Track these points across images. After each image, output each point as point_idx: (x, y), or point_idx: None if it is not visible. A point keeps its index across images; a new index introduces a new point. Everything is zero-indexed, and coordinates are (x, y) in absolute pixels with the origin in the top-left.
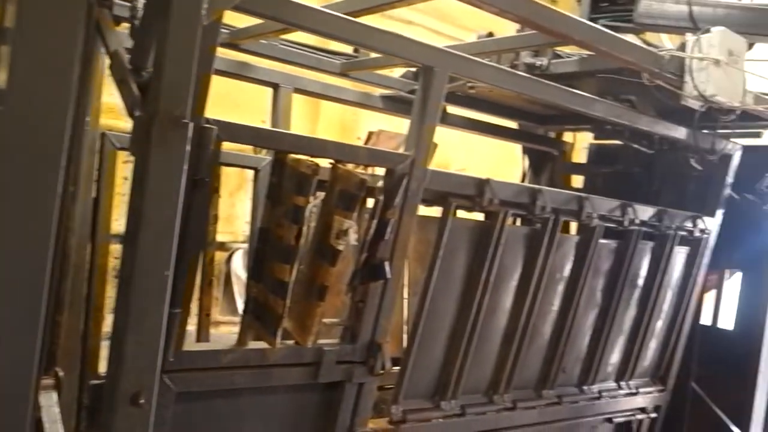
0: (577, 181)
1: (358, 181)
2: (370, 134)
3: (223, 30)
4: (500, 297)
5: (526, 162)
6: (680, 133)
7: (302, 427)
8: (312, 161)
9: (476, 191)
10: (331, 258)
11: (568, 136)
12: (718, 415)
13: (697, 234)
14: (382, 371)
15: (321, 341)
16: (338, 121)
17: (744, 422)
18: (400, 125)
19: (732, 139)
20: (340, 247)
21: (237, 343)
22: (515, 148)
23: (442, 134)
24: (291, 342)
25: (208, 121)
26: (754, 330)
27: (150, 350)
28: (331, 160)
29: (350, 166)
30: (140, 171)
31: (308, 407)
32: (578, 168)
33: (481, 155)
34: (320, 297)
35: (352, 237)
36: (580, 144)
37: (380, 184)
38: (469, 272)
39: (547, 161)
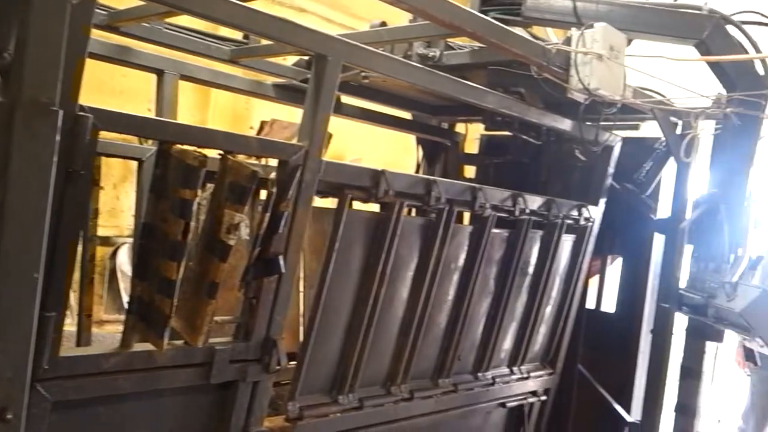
0: (470, 171)
1: (249, 173)
2: (263, 124)
3: (102, 11)
4: (397, 288)
5: (421, 153)
6: (566, 125)
7: (194, 429)
8: (199, 152)
9: (372, 182)
10: (221, 253)
11: (460, 127)
12: (603, 395)
13: (582, 222)
14: (277, 369)
15: (213, 340)
16: (230, 110)
17: (626, 401)
18: (294, 114)
19: (613, 132)
20: (231, 242)
21: (120, 346)
22: (410, 139)
23: (337, 124)
24: (180, 342)
25: (83, 108)
26: (633, 312)
27: (18, 360)
28: (221, 151)
29: (241, 158)
30: (3, 162)
31: (200, 409)
32: (471, 158)
33: (376, 146)
34: (210, 295)
35: (244, 231)
36: (473, 135)
37: (273, 175)
38: (365, 264)
39: (440, 152)
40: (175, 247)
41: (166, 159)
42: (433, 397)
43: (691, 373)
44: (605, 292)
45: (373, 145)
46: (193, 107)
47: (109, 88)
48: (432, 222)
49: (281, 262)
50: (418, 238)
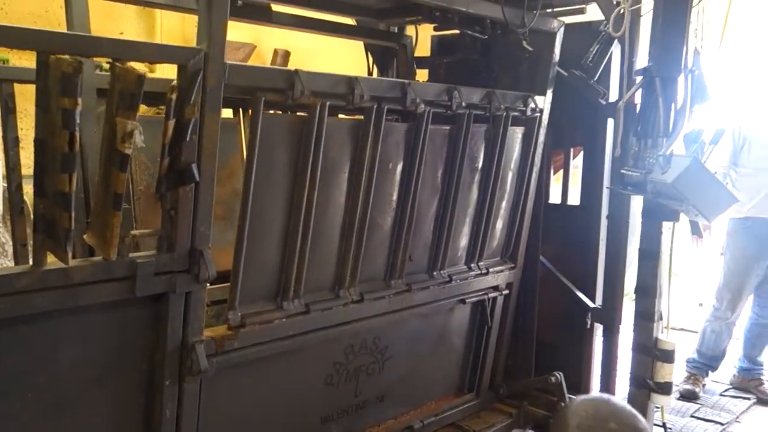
0: (423, 75)
1: (135, 78)
2: None
3: None
4: (331, 193)
5: (371, 60)
6: (509, 14)
7: (129, 343)
8: (75, 58)
9: (286, 84)
10: (120, 164)
11: (411, 30)
12: (566, 284)
13: (529, 113)
14: (206, 279)
15: (135, 254)
16: (179, 35)
17: (590, 289)
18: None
19: (558, 18)
20: (128, 151)
21: (32, 265)
22: None
23: (299, 43)
24: (98, 258)
25: None
26: (594, 203)
27: None
28: (109, 59)
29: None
30: None
31: (133, 323)
32: (422, 62)
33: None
34: (116, 206)
35: (139, 139)
36: (426, 37)
37: (174, 83)
38: (292, 170)
39: (391, 58)
40: (65, 159)
41: (45, 70)
42: (385, 297)
43: (650, 254)
44: (571, 186)
45: (337, 63)
46: (140, 32)
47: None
48: (361, 122)
49: (194, 170)
50: (349, 140)
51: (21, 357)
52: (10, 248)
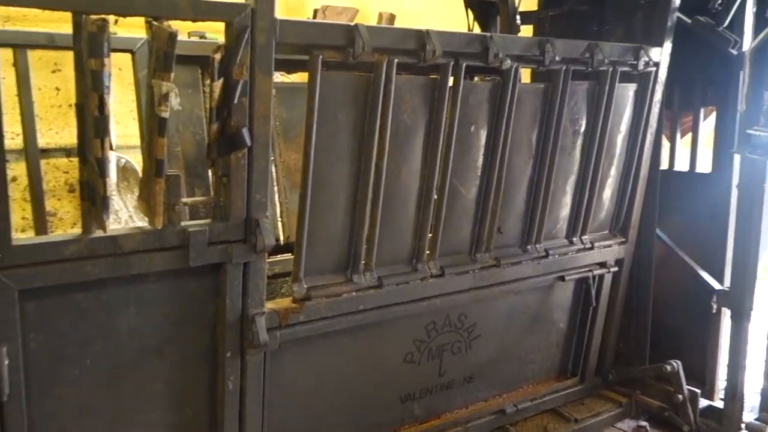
0: (528, 31)
1: (167, 36)
2: (316, 12)
3: None
4: (404, 158)
5: (471, 17)
6: None
7: (188, 314)
8: (100, 17)
9: (346, 40)
10: (159, 128)
11: None
12: (688, 263)
13: (642, 68)
14: (264, 249)
15: (187, 223)
16: (283, 3)
17: (717, 268)
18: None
19: None
20: (164, 115)
21: (82, 233)
22: None
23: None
24: (146, 226)
25: None
26: (726, 171)
27: None
28: (147, 18)
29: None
30: None
31: (190, 294)
32: (526, 17)
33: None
34: (158, 173)
35: (174, 102)
36: None
37: (222, 42)
38: (359, 134)
39: (493, 13)
40: (96, 124)
41: (78, 32)
42: (469, 272)
43: None
44: (700, 151)
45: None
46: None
47: None
48: (435, 81)
49: (246, 134)
50: (422, 101)
51: (78, 324)
52: (124, 215)
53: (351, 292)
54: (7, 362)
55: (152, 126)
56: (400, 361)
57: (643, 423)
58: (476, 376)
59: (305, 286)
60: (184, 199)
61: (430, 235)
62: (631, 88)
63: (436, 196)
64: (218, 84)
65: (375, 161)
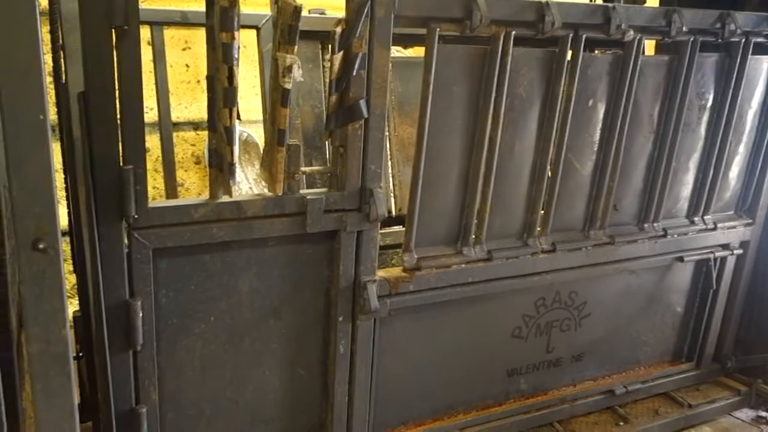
0: (655, 2)
1: (292, 9)
2: None
3: None
4: (519, 132)
5: None
6: None
7: (304, 278)
8: None
9: (463, 12)
10: (282, 99)
11: None
12: None
13: None
14: (376, 218)
15: (305, 191)
16: None
17: None
18: None
19: None
20: (287, 86)
21: (209, 197)
22: None
23: None
24: (268, 193)
25: None
26: None
27: (42, 195)
28: None
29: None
30: None
31: (306, 259)
32: None
33: None
34: (280, 142)
35: (297, 73)
36: None
37: (342, 16)
38: (473, 107)
39: None
40: (226, 94)
41: (211, 8)
42: (582, 249)
43: None
44: None
45: None
46: None
47: None
48: (552, 53)
49: (363, 106)
50: (539, 74)
51: (204, 283)
52: (244, 186)
53: (460, 264)
54: (141, 315)
55: (276, 97)
56: (507, 336)
57: (764, 413)
58: (585, 354)
59: (416, 257)
60: (303, 168)
61: (543, 210)
62: (765, 61)
63: (550, 172)
64: (338, 57)
65: (489, 135)
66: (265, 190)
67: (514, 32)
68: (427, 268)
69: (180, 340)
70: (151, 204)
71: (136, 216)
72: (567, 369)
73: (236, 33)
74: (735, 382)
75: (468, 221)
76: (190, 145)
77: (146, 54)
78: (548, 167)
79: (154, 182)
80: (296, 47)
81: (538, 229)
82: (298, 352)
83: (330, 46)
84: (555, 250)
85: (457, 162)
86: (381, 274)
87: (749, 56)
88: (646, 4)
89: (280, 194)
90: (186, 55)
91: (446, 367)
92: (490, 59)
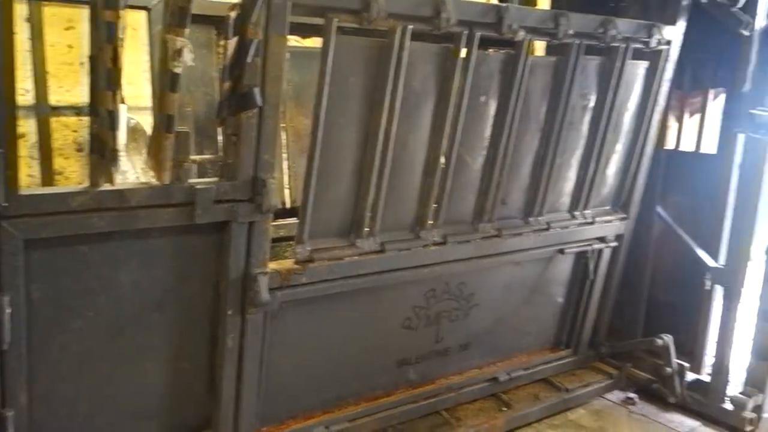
0: (546, 3)
1: None
2: None
3: None
4: (413, 126)
5: None
6: None
7: (191, 270)
8: None
9: (361, 4)
10: (171, 84)
11: None
12: (685, 240)
13: (654, 45)
14: (269, 209)
15: (194, 180)
16: None
17: (713, 247)
18: None
19: None
20: (177, 70)
21: (89, 185)
22: None
23: None
24: (154, 181)
25: None
26: (729, 152)
27: None
28: None
29: None
30: None
31: (195, 250)
32: None
33: None
34: (168, 128)
35: (188, 57)
36: None
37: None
38: (369, 99)
39: None
40: (109, 75)
41: None
42: (471, 242)
43: None
44: (706, 133)
45: None
46: None
47: None
48: (447, 49)
49: (257, 94)
50: (434, 70)
51: (82, 275)
52: (132, 175)
53: (353, 256)
54: (9, 311)
55: (164, 81)
56: (398, 326)
57: (632, 394)
58: (472, 343)
59: (308, 248)
60: (193, 156)
61: (435, 203)
62: (642, 66)
63: (442, 165)
64: (232, 42)
65: (384, 127)
66: (153, 180)
67: (411, 27)
68: (319, 260)
69: (54, 337)
70: (23, 191)
71: (5, 204)
72: (454, 358)
73: (121, 11)
74: (607, 366)
75: (362, 213)
76: (72, 131)
77: (24, 32)
78: (441, 161)
79: (30, 170)
80: (187, 30)
81: (430, 221)
82: (184, 347)
83: (225, 31)
84: (446, 242)
85: (352, 154)
86: (273, 266)
87: (628, 61)
88: (537, 7)
89: (167, 183)
90: (69, 35)
91: (337, 359)
92: (386, 52)
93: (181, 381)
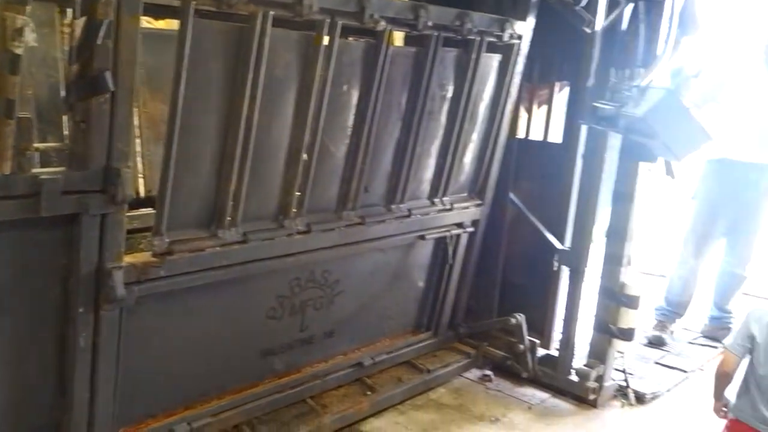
0: None
1: None
2: None
3: None
4: (276, 114)
5: None
6: None
7: (37, 266)
8: None
9: None
10: (11, 65)
11: None
12: (535, 224)
13: (507, 39)
14: (123, 200)
15: (38, 170)
16: None
17: (561, 230)
18: None
19: None
20: (18, 51)
21: None
22: None
23: None
24: None
25: None
26: (573, 142)
27: None
28: None
29: None
30: None
31: (41, 245)
32: None
33: None
34: (8, 114)
35: (30, 36)
36: None
37: None
38: (230, 86)
39: None
40: None
41: None
42: (335, 229)
43: (624, 196)
44: (553, 123)
45: None
46: None
47: None
48: (311, 37)
49: (108, 78)
50: (297, 57)
51: None
52: None
53: (215, 247)
54: None
55: (3, 63)
56: (262, 317)
57: (488, 372)
58: (336, 330)
59: (167, 240)
60: (36, 144)
61: (298, 192)
62: (495, 59)
63: (305, 154)
64: (80, 22)
65: (245, 114)
66: None
67: (272, 12)
68: (179, 252)
69: None
70: None
71: None
72: (319, 346)
73: None
74: (466, 346)
75: (223, 203)
76: None
77: None
78: (304, 149)
79: None
80: (29, 7)
81: (294, 210)
82: (29, 349)
83: (70, 10)
84: (310, 230)
85: (212, 141)
86: (128, 259)
87: (483, 53)
88: None
89: (7, 173)
90: None
91: (200, 353)
92: (247, 38)
93: (25, 384)
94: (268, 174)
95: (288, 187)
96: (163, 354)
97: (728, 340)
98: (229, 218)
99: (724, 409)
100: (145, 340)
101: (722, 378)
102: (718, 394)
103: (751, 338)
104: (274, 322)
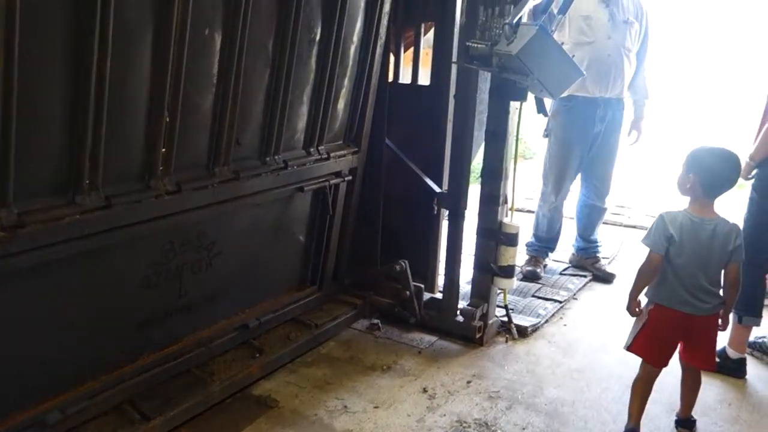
0: None
1: None
2: None
3: None
4: (131, 62)
5: None
6: None
7: None
8: None
9: None
10: None
11: None
12: (413, 169)
13: None
14: None
15: None
16: None
17: (438, 173)
18: None
19: None
20: None
21: None
22: None
23: None
24: None
25: None
26: (444, 82)
27: None
28: None
29: None
30: None
31: None
32: None
33: None
34: None
35: None
36: None
37: None
38: (74, 32)
39: None
40: None
41: None
42: (208, 187)
43: (496, 136)
44: (421, 65)
45: None
46: None
47: None
48: None
49: None
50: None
51: None
52: None
53: (74, 215)
54: None
55: None
56: (135, 287)
57: (376, 321)
58: (218, 294)
59: (15, 212)
60: None
61: (164, 148)
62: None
63: (168, 105)
64: None
65: (96, 64)
66: None
67: None
68: (32, 224)
69: None
70: None
71: None
72: (201, 312)
73: None
74: (352, 297)
75: (80, 165)
76: None
77: None
78: (166, 101)
79: None
80: None
81: (161, 168)
82: None
83: None
84: (180, 190)
85: (60, 96)
86: None
87: None
88: None
89: None
90: None
91: (69, 333)
92: None
93: None
94: (128, 129)
95: (152, 143)
96: (27, 339)
97: (650, 243)
98: (87, 182)
99: (638, 309)
100: (2, 325)
101: (647, 275)
102: (637, 292)
103: (669, 237)
104: (148, 292)
